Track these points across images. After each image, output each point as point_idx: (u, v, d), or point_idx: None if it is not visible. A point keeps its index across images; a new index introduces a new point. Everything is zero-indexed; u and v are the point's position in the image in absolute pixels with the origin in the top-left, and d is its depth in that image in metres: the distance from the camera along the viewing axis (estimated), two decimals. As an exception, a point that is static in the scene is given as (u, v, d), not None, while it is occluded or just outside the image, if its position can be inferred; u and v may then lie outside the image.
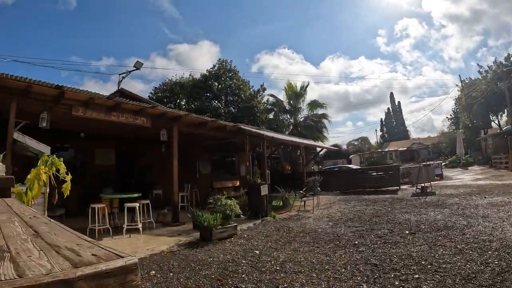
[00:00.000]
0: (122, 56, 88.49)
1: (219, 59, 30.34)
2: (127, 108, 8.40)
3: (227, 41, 78.82)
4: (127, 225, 7.33)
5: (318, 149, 20.67)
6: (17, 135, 6.50)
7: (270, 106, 25.80)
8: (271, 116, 26.01)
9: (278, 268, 4.53)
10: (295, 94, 24.04)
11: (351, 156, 46.55)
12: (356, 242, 5.79)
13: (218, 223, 6.83)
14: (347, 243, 5.79)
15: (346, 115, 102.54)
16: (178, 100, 29.22)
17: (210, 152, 16.22)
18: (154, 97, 29.72)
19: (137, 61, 13.70)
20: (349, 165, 27.75)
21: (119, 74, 13.97)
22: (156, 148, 12.54)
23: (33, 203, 4.44)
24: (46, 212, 6.60)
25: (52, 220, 1.41)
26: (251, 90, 29.71)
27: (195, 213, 7.19)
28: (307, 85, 24.75)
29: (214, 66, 29.35)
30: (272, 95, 25.55)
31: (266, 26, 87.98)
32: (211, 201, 7.90)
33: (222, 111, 26.43)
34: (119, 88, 13.17)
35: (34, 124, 6.89)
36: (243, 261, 4.96)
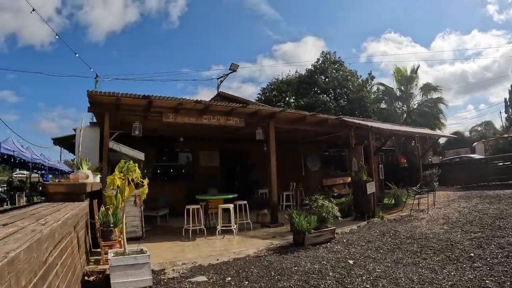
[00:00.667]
0: (230, 63, 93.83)
1: (322, 51, 28.95)
2: (218, 110, 8.38)
3: (330, 33, 76.25)
4: (222, 226, 7.26)
5: (438, 138, 17.81)
6: (112, 144, 7.02)
7: (380, 95, 23.34)
8: (382, 105, 23.51)
9: (367, 286, 3.59)
10: (405, 78, 21.13)
11: (474, 144, 39.66)
12: (472, 254, 4.70)
13: (312, 227, 6.10)
14: (461, 255, 4.72)
15: (466, 98, 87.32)
16: (287, 98, 28.84)
17: (319, 148, 15.50)
18: (263, 98, 30.15)
19: (232, 63, 13.87)
20: (471, 155, 23.24)
21: (217, 79, 14.40)
22: (260, 147, 12.42)
23: (122, 205, 4.55)
24: (142, 212, 7.07)
25: None
26: (359, 80, 27.83)
27: (292, 214, 6.60)
28: (418, 67, 21.58)
29: (318, 59, 28.32)
30: (381, 84, 22.98)
31: (368, 12, 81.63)
32: (307, 202, 7.19)
33: (331, 104, 25.18)
34: (218, 91, 13.53)
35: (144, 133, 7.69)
36: (330, 273, 4.20)
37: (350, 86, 26.03)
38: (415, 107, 21.21)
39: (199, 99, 7.89)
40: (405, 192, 10.03)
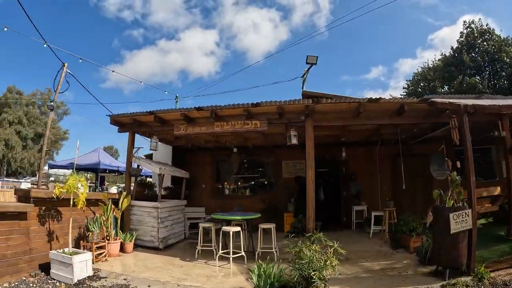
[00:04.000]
0: (390, 62, 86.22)
1: (464, 21, 22.36)
2: (228, 114, 7.04)
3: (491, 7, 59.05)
4: (222, 252, 6.12)
5: None
6: (134, 160, 8.02)
7: None
8: None
9: None
10: None
11: None
12: None
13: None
14: None
15: None
16: (434, 87, 23.75)
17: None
18: (408, 91, 26.36)
19: (308, 56, 11.39)
20: None
21: (301, 77, 12.11)
22: (367, 151, 10.57)
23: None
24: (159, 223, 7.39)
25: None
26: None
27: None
28: None
29: (462, 33, 22.06)
30: None
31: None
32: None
33: (481, 86, 18.94)
34: (303, 90, 11.32)
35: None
36: None
37: (505, 58, 18.97)
38: None
39: (202, 106, 6.76)
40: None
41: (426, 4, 66.44)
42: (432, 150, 10.91)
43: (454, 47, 22.95)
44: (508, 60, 19.96)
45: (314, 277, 3.93)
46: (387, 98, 6.23)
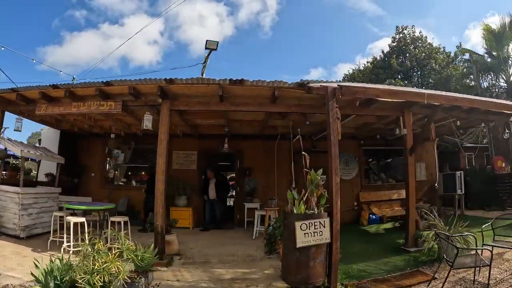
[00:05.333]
0: (330, 65, 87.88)
1: (397, 26, 22.78)
2: (84, 94, 6.30)
3: (431, 22, 62.44)
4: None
5: None
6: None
7: (466, 68, 16.32)
8: (472, 83, 16.41)
9: None
10: (497, 37, 13.79)
11: None
12: None
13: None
14: None
15: None
16: None
17: (358, 145, 11.14)
18: None
19: (207, 40, 10.46)
20: None
21: (202, 63, 11.02)
22: (265, 143, 9.99)
23: None
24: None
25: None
26: (444, 55, 21.50)
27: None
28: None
29: (394, 38, 22.46)
30: (465, 50, 15.77)
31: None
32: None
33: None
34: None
35: None
36: None
37: (434, 65, 19.42)
38: None
39: (58, 83, 6.05)
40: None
41: (373, 14, 68.64)
42: (339, 148, 10.44)
43: (385, 52, 23.32)
44: (436, 66, 20.60)
45: (81, 281, 3.16)
46: (257, 80, 5.30)
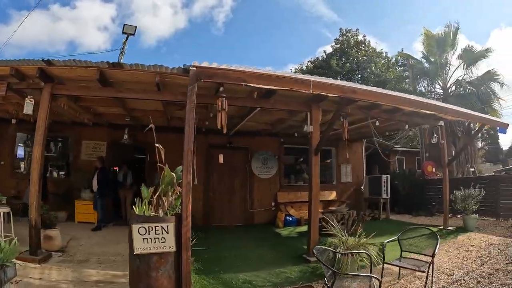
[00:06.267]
0: (279, 65, 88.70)
1: (340, 28, 23.10)
2: None
3: (382, 31, 65.08)
4: None
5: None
6: None
7: (403, 72, 16.73)
8: (407, 86, 16.83)
9: None
10: (437, 42, 13.90)
11: None
12: None
13: None
14: None
15: None
16: None
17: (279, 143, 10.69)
18: None
19: (125, 24, 9.74)
20: None
21: (120, 49, 10.23)
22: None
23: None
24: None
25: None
26: (385, 60, 22.05)
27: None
28: (457, 29, 13.99)
29: (337, 40, 22.57)
30: (403, 55, 16.05)
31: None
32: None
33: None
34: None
35: None
36: None
37: (373, 68, 19.85)
38: (453, 88, 14.00)
39: None
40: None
41: (329, 19, 70.11)
42: (257, 144, 10.06)
43: (328, 53, 23.43)
44: (376, 70, 20.95)
45: None
46: (136, 64, 4.64)
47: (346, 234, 5.01)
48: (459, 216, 8.75)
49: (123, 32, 9.80)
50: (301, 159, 11.66)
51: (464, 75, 13.99)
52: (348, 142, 10.06)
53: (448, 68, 14.37)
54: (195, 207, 8.74)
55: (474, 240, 6.73)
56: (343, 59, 21.85)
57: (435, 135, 8.69)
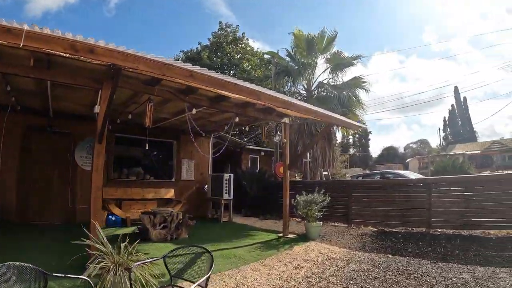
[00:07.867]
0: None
1: (220, 21, 22.53)
2: None
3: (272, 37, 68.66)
4: None
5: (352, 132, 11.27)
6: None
7: (269, 71, 16.84)
8: (270, 86, 16.86)
9: None
10: (307, 44, 13.43)
11: (408, 160, 38.30)
12: None
13: None
14: None
15: (400, 119, 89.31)
16: None
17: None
18: None
19: None
20: (402, 171, 17.01)
21: None
22: None
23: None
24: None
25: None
26: (259, 59, 22.09)
27: None
28: (335, 36, 13.60)
29: (214, 33, 21.99)
30: (270, 52, 15.84)
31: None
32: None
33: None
34: None
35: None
36: None
37: (245, 66, 19.54)
38: (315, 87, 13.84)
39: None
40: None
41: (228, 21, 70.40)
42: (83, 131, 8.23)
43: (203, 45, 22.65)
44: (248, 68, 20.88)
45: None
46: None
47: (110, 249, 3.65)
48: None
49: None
50: (136, 150, 10.11)
51: (330, 78, 13.94)
52: (193, 136, 8.91)
53: (314, 71, 14.16)
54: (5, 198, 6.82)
55: (311, 252, 5.92)
56: (219, 53, 21.11)
57: (278, 133, 8.25)
